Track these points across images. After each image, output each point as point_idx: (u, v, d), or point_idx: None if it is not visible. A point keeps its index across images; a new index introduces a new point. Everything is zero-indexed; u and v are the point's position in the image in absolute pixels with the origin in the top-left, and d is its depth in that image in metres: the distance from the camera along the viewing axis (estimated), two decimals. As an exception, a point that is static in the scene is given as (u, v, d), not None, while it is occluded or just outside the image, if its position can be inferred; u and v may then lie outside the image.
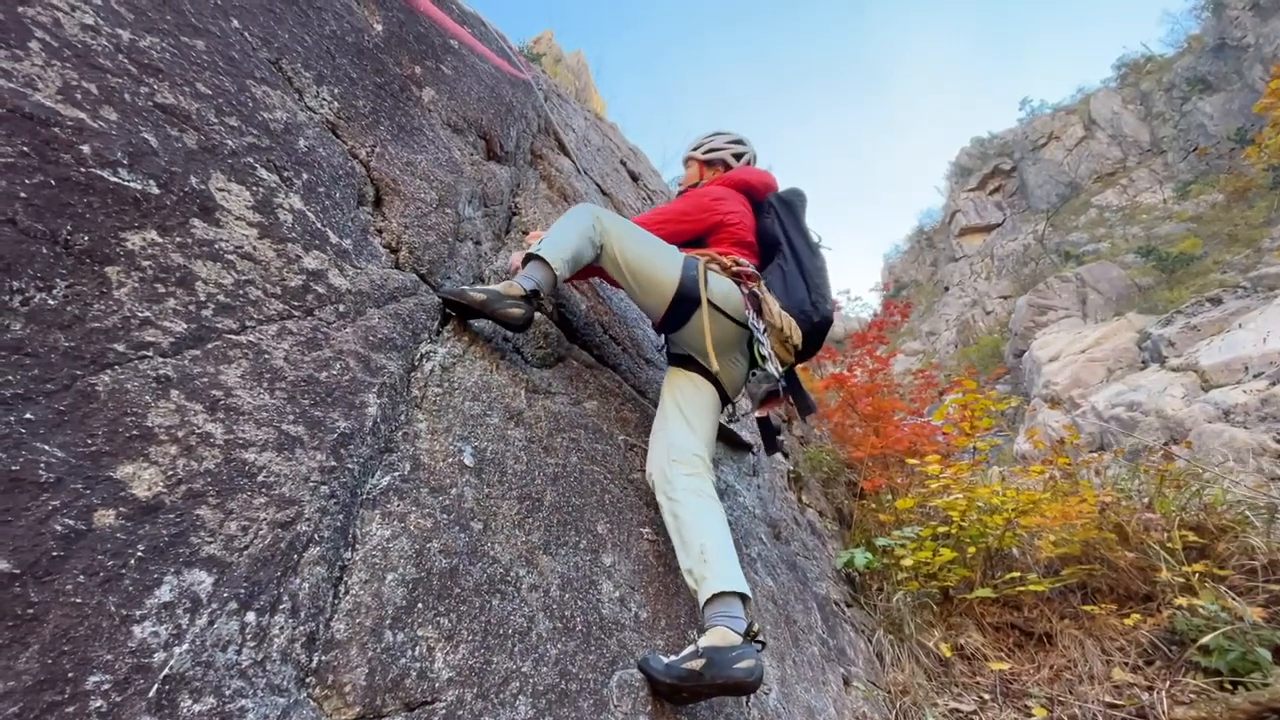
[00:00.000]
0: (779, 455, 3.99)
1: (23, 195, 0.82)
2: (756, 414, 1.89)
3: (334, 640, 0.85)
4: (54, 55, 0.97)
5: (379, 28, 2.07)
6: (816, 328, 1.73)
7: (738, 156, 2.31)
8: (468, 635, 1.02)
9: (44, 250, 0.81)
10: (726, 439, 3.00)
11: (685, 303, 1.71)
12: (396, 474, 1.12)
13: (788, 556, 2.76)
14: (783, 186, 2.18)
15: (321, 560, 0.89)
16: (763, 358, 1.67)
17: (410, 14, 2.37)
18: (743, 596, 1.37)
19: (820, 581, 3.03)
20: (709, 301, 1.70)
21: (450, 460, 1.25)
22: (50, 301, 0.79)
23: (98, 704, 0.60)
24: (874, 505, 4.38)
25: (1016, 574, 3.31)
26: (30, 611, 0.60)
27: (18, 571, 0.61)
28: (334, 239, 1.31)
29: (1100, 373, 15.01)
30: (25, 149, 0.85)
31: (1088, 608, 3.15)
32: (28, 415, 0.70)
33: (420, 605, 0.99)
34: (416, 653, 0.93)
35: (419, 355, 1.38)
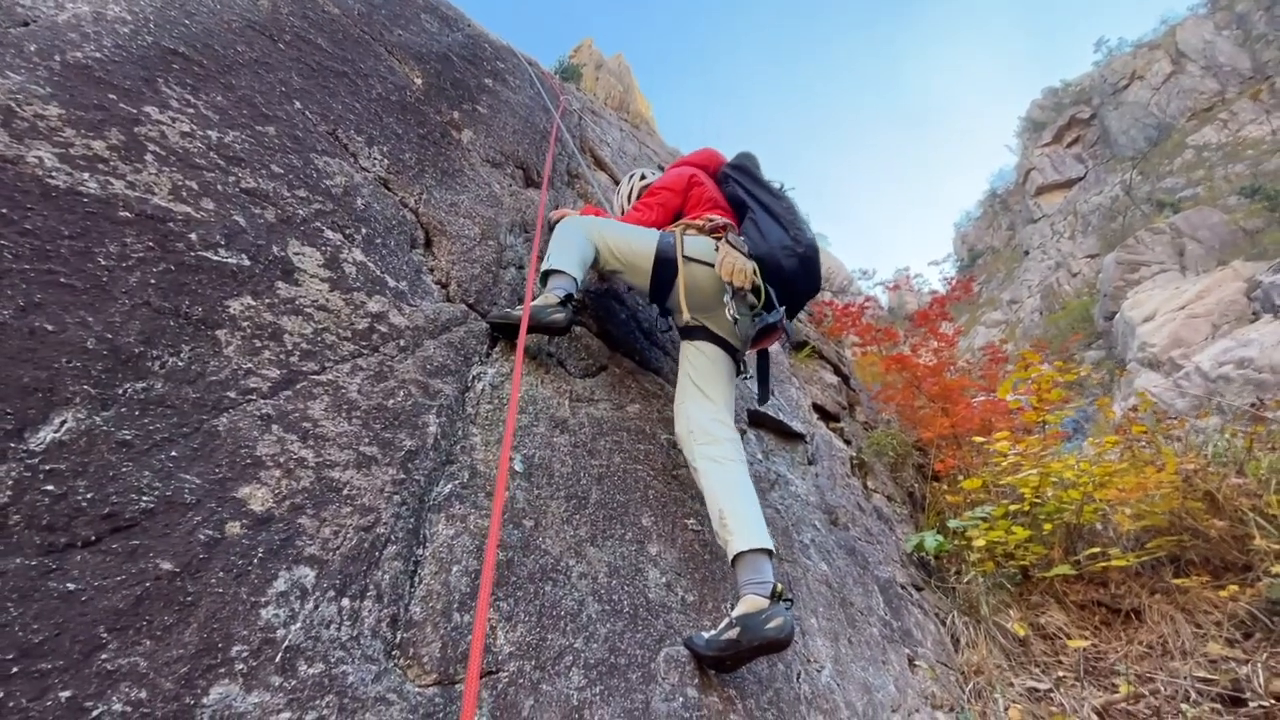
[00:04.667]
0: (839, 442, 4.00)
1: (153, 282, 1.05)
2: (751, 350, 2.03)
3: (412, 620, 1.03)
4: (163, 163, 1.21)
5: (419, 82, 2.29)
6: (804, 257, 1.86)
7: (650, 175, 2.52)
8: (524, 616, 1.18)
9: (171, 323, 1.03)
10: (776, 430, 3.07)
11: (665, 265, 1.89)
12: (457, 482, 1.30)
13: (846, 542, 2.81)
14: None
15: (398, 556, 1.08)
16: (729, 291, 1.78)
17: (447, 61, 2.59)
18: (768, 551, 1.49)
19: (884, 565, 3.05)
20: (685, 257, 1.88)
21: (503, 467, 1.42)
22: (179, 363, 1.01)
23: (240, 666, 0.80)
24: (946, 487, 4.29)
25: (1098, 549, 3.20)
26: (189, 599, 0.81)
27: (177, 570, 0.82)
28: (392, 283, 1.52)
29: (1204, 329, 13.76)
30: (151, 244, 1.09)
31: (1179, 581, 3.00)
32: (173, 453, 0.91)
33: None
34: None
35: (471, 377, 1.56)
